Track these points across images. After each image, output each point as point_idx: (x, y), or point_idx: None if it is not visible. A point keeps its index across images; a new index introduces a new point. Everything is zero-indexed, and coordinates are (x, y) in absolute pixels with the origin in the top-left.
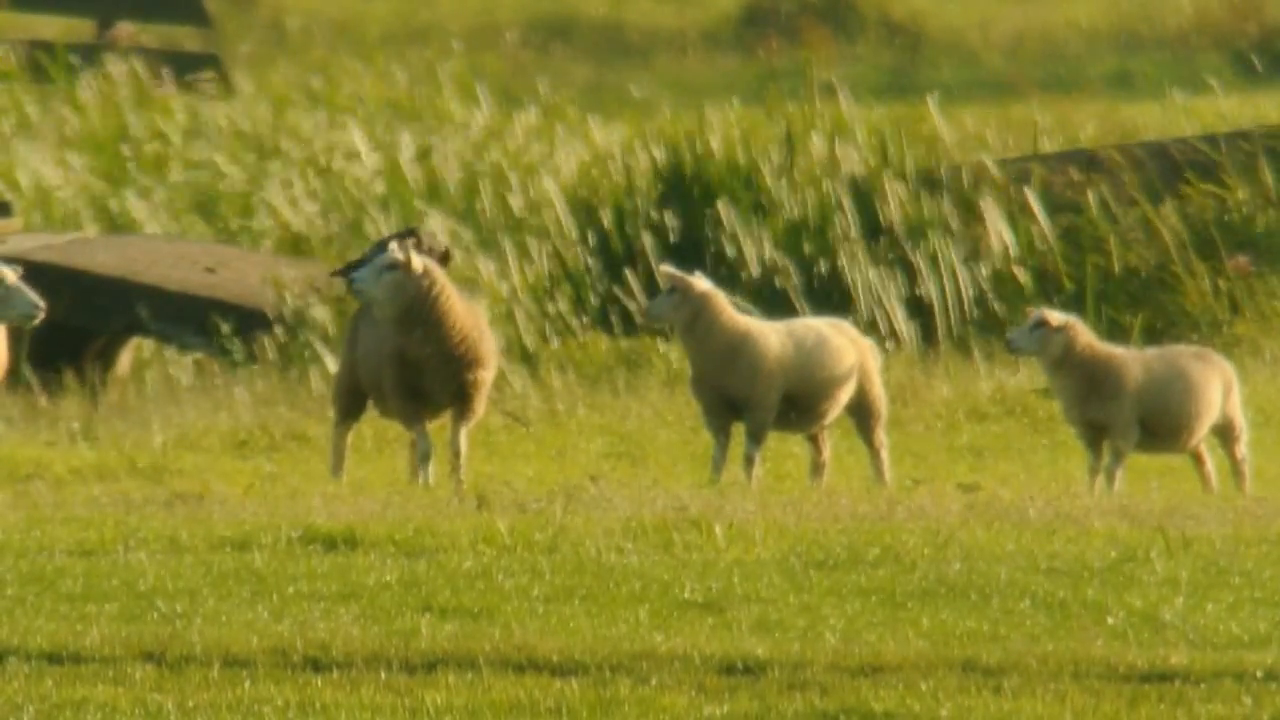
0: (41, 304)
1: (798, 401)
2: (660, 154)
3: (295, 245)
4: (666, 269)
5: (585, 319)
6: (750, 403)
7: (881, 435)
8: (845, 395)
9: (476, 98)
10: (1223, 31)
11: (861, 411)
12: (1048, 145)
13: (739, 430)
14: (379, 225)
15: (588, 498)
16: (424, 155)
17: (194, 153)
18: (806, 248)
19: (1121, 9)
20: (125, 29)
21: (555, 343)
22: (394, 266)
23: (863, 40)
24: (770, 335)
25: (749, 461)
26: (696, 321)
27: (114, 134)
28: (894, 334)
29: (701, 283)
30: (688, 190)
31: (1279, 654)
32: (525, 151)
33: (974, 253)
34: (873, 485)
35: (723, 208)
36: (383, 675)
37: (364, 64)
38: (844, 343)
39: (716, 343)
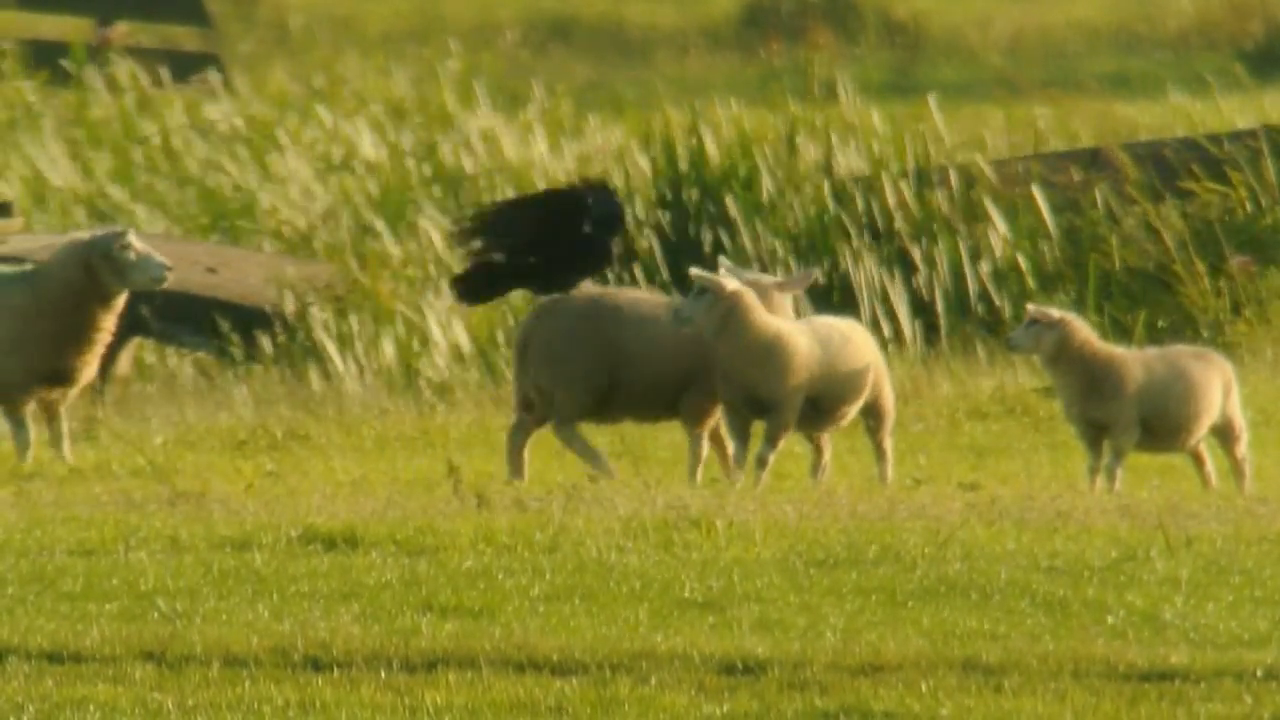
0: (169, 263)
1: (819, 402)
2: (660, 154)
3: (297, 245)
4: (696, 271)
5: None
6: (776, 403)
7: (888, 436)
8: (864, 395)
9: (476, 97)
10: (1223, 31)
11: (872, 412)
12: (1048, 145)
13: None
14: (380, 225)
15: (588, 497)
16: (427, 155)
17: (195, 152)
18: (808, 247)
19: (1121, 9)
20: (124, 29)
21: None
22: (704, 291)
23: (863, 39)
24: (799, 335)
25: (761, 463)
26: (728, 323)
27: (115, 134)
28: (897, 333)
29: (731, 282)
30: (688, 190)
31: (1279, 653)
32: (525, 151)
33: (975, 252)
34: (874, 484)
35: (725, 207)
36: (383, 674)
37: (365, 63)
38: (864, 342)
39: (749, 343)
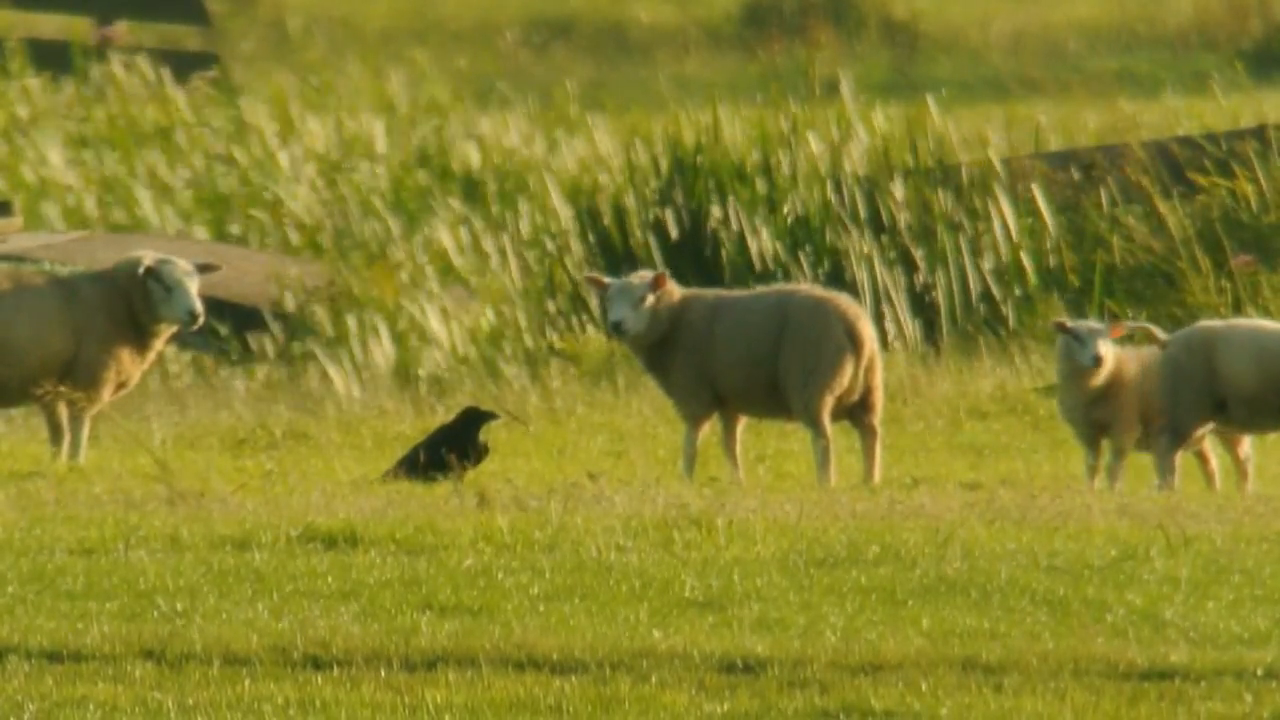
0: (198, 312)
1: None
2: (661, 152)
3: (298, 244)
4: None
5: (585, 318)
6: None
7: None
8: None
9: (476, 97)
10: (1223, 31)
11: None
12: (1048, 143)
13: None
14: (382, 224)
15: (587, 496)
16: (427, 154)
17: (197, 152)
18: (810, 246)
19: (1121, 8)
20: (124, 28)
21: (555, 341)
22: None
23: (863, 38)
24: None
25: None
26: None
27: (117, 133)
28: (899, 331)
29: None
30: (689, 189)
31: (1279, 652)
32: (526, 150)
33: (977, 250)
34: (876, 484)
35: (726, 206)
36: (383, 673)
37: (364, 63)
38: None
39: None
